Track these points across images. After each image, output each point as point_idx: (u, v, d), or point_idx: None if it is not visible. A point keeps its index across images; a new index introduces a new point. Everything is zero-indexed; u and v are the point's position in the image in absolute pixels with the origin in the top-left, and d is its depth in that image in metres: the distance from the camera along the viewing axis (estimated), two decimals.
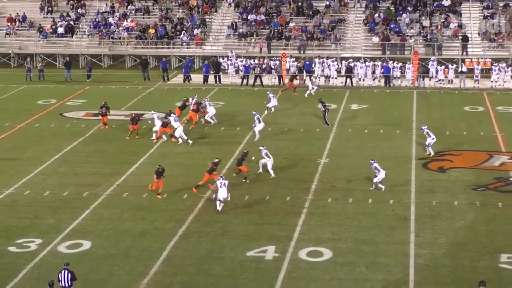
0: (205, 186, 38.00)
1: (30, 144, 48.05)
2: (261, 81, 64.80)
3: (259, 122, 47.67)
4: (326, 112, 51.05)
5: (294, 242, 32.67)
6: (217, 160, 39.49)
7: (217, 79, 65.92)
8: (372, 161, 39.25)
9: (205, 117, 51.68)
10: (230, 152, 45.48)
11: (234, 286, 28.86)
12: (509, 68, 63.69)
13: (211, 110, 52.01)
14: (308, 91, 59.46)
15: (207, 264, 30.79)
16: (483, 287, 25.66)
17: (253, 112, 48.26)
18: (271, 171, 41.01)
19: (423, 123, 49.13)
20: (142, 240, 33.20)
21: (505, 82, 63.16)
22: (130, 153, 45.61)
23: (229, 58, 67.82)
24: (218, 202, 35.38)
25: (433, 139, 44.18)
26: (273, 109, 55.38)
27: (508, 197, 37.75)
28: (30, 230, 34.27)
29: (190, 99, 52.27)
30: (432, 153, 44.22)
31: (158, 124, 47.74)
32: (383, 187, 38.51)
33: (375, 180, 38.64)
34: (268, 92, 58.43)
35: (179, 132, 47.02)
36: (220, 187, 35.24)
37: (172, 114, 48.66)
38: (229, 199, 35.71)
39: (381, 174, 38.63)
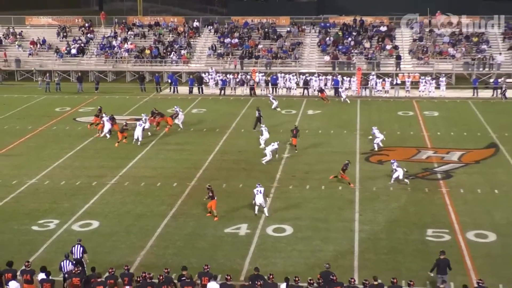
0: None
1: (49, 143, 47.70)
2: (254, 92, 64.91)
3: (266, 132, 45.43)
4: (260, 119, 50.03)
5: (263, 220, 32.68)
6: (348, 163, 38.50)
7: (200, 90, 65.77)
8: (393, 161, 38.29)
9: (177, 122, 51.09)
10: (210, 150, 45.40)
11: (214, 256, 28.81)
12: (433, 81, 63.98)
13: (181, 117, 51.48)
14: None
15: (193, 239, 30.80)
16: (443, 255, 25.80)
17: (262, 126, 46.61)
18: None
19: (366, 126, 49.36)
20: (140, 220, 33.12)
21: (430, 92, 63.37)
22: (130, 150, 45.35)
23: (210, 73, 67.76)
24: (256, 207, 33.57)
25: (378, 138, 44.54)
26: (278, 109, 56.33)
27: (433, 184, 37.93)
28: (50, 213, 34.14)
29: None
30: (376, 149, 44.42)
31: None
32: (407, 181, 37.57)
33: (394, 176, 37.49)
34: (269, 95, 58.98)
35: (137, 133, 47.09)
36: (257, 194, 33.27)
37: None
38: (268, 203, 34.35)
39: (399, 172, 37.35)
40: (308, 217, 32.98)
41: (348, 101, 60.15)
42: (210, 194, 33.33)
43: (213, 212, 33.16)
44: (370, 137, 46.57)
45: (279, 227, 31.92)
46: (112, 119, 49.34)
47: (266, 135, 45.27)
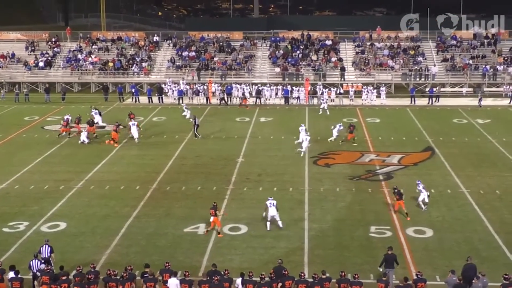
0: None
1: (19, 150, 46.98)
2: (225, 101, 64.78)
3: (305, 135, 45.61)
4: (196, 127, 49.94)
5: (220, 220, 32.54)
6: (396, 188, 33.73)
7: (160, 100, 65.38)
8: (419, 182, 34.71)
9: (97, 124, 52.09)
10: (170, 155, 45.14)
11: (175, 254, 28.62)
12: (375, 90, 64.54)
13: (97, 118, 52.42)
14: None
15: (155, 238, 30.54)
16: (391, 251, 25.98)
17: (301, 127, 47.26)
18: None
19: (314, 131, 49.47)
20: (105, 221, 32.76)
21: (371, 100, 63.88)
22: (95, 156, 44.90)
23: (168, 83, 67.46)
24: (268, 223, 31.27)
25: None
26: (188, 115, 56.04)
27: (376, 184, 38.21)
28: (19, 215, 33.56)
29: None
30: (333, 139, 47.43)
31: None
32: (423, 207, 33.77)
33: (420, 199, 33.79)
34: (183, 105, 59.32)
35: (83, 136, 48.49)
36: (269, 206, 31.22)
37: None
38: (277, 217, 31.44)
39: (422, 196, 33.80)
40: (262, 217, 32.80)
41: (328, 112, 58.62)
42: (214, 211, 31.16)
43: (217, 229, 31.05)
44: (331, 138, 47.68)
45: (234, 226, 31.80)
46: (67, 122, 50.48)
47: (305, 140, 44.87)
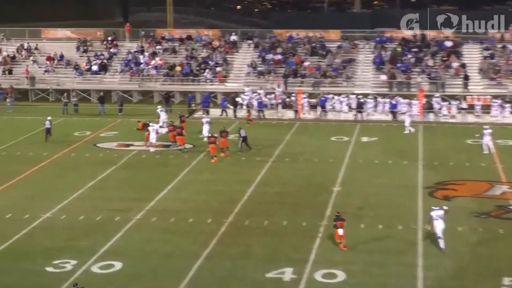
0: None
1: (67, 172, 47.99)
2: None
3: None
4: (243, 139, 52.06)
5: (310, 264, 32.31)
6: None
7: (234, 113, 65.78)
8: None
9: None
10: (250, 181, 45.34)
11: None
12: (508, 105, 63.39)
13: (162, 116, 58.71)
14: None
15: (229, 284, 30.54)
16: None
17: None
18: None
19: (429, 155, 48.84)
20: (169, 261, 32.95)
21: (504, 117, 62.80)
22: (158, 180, 45.47)
23: (245, 93, 67.78)
24: (440, 241, 32.85)
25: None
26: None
27: (509, 224, 37.31)
28: (66, 252, 34.04)
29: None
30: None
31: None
32: None
33: None
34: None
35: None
36: (436, 219, 32.63)
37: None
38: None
39: None
40: (362, 261, 32.50)
41: (412, 130, 59.17)
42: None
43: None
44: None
45: (329, 272, 31.49)
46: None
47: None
